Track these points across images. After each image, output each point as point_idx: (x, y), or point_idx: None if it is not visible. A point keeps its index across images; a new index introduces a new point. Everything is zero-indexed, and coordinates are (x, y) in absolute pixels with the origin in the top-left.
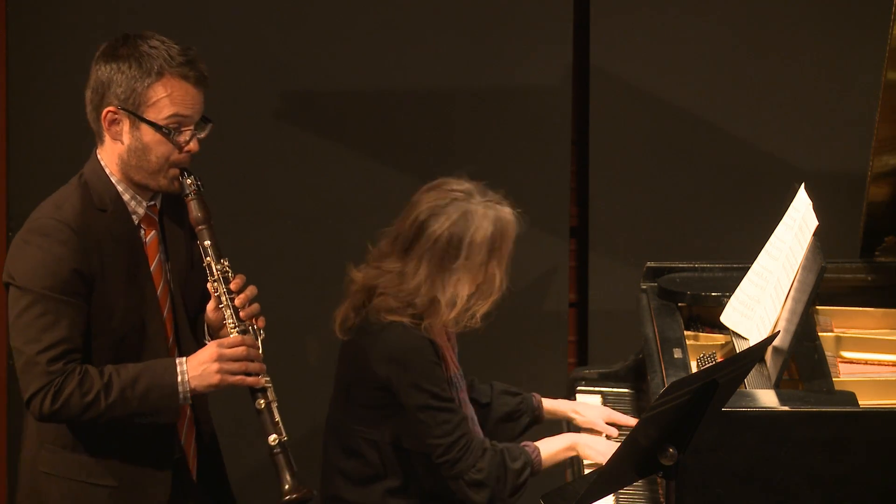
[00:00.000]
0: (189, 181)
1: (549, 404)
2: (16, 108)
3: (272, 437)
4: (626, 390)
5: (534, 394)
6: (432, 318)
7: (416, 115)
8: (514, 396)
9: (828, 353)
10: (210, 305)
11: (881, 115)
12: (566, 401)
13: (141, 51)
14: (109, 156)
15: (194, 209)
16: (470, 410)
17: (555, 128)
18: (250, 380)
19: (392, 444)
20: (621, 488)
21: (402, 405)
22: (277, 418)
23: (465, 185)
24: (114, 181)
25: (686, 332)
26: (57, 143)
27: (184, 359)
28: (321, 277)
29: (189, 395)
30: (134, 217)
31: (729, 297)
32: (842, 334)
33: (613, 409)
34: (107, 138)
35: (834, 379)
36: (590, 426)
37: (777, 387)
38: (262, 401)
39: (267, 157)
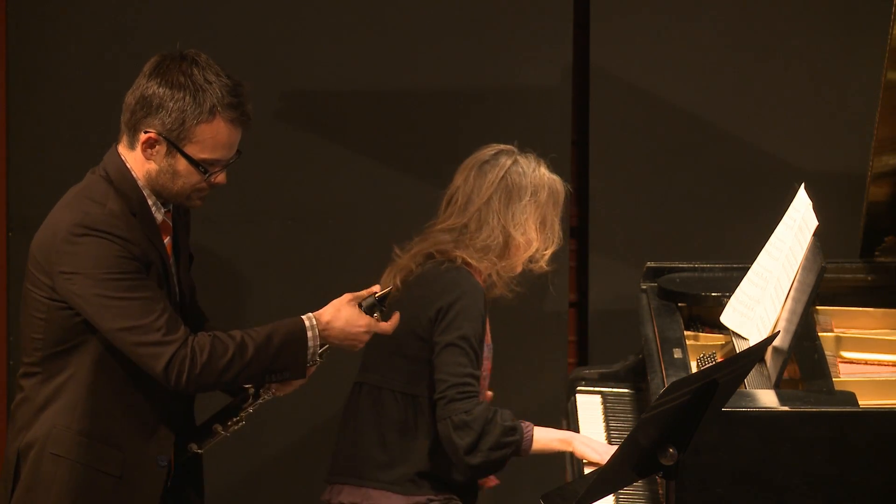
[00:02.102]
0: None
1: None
2: (16, 109)
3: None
4: (626, 390)
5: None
6: (510, 260)
7: (415, 115)
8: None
9: (828, 353)
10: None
11: (881, 116)
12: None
13: (197, 83)
14: (136, 164)
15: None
16: (487, 377)
17: (555, 128)
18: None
19: (430, 401)
20: (621, 488)
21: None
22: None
23: (507, 145)
24: (140, 186)
25: (686, 332)
26: (57, 143)
27: (314, 318)
28: (322, 278)
29: (316, 356)
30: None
31: (729, 297)
32: (842, 334)
33: (613, 409)
34: (138, 151)
35: (834, 379)
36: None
37: (777, 387)
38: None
39: (267, 157)
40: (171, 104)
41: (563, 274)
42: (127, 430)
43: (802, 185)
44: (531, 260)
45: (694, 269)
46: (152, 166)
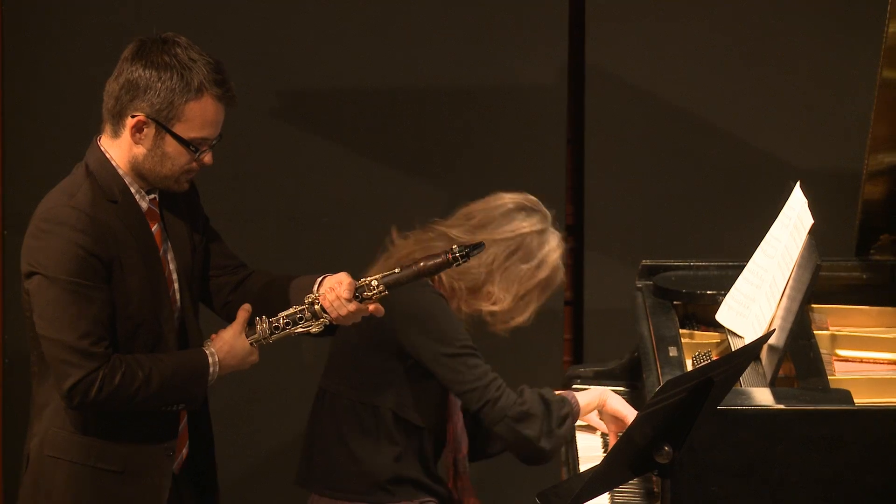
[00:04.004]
0: (458, 264)
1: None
2: (12, 106)
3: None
4: (621, 388)
5: None
6: (474, 301)
7: (411, 114)
8: None
9: (823, 352)
10: (345, 279)
11: (876, 114)
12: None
13: (182, 62)
14: (120, 152)
15: (435, 264)
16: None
17: (550, 126)
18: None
19: (393, 413)
20: (617, 486)
21: (417, 368)
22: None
23: (548, 210)
24: (121, 174)
25: (681, 331)
26: (53, 141)
27: (216, 353)
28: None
29: (214, 378)
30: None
31: (724, 295)
32: (837, 332)
33: None
34: (124, 136)
35: (829, 377)
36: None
37: (772, 385)
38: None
39: (262, 155)
40: (158, 85)
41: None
42: (126, 423)
43: (798, 183)
44: (493, 315)
45: (689, 268)
46: (140, 150)
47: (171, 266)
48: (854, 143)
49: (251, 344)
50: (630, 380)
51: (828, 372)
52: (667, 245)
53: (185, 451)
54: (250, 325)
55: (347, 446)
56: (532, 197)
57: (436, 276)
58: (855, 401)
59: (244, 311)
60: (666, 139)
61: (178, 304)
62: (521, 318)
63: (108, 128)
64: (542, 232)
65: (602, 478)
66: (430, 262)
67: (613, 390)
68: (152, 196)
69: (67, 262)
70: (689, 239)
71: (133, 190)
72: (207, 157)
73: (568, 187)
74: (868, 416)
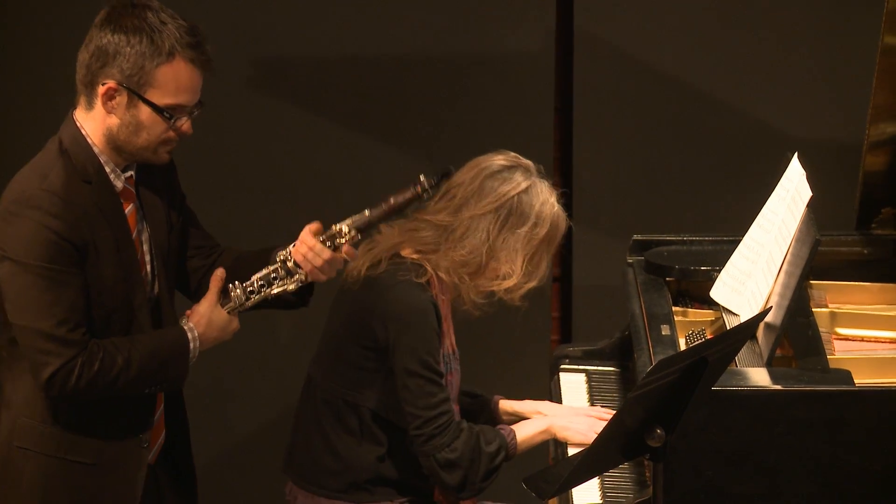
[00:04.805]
0: (429, 193)
1: (510, 406)
2: None
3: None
4: (611, 369)
5: (495, 396)
6: (484, 281)
7: (394, 82)
8: (472, 399)
9: (822, 330)
10: (312, 227)
11: (878, 82)
12: (531, 402)
13: (152, 25)
14: (94, 125)
15: (404, 199)
16: (454, 389)
17: (537, 94)
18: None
19: (372, 412)
20: (606, 471)
21: (391, 369)
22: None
23: (526, 160)
24: (96, 152)
25: (674, 308)
26: (37, 134)
27: (195, 328)
28: None
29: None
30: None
31: (719, 271)
32: (837, 310)
33: (598, 388)
34: (97, 107)
35: (829, 356)
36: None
37: (769, 365)
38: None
39: (238, 127)
40: (127, 49)
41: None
42: (97, 414)
43: (796, 154)
44: (506, 290)
45: (683, 243)
46: (114, 121)
47: (145, 247)
48: (855, 113)
49: (228, 312)
50: (620, 360)
51: (827, 351)
52: (659, 219)
53: (161, 439)
54: (224, 294)
55: (329, 441)
56: (508, 153)
57: (435, 278)
58: (855, 381)
59: (217, 280)
60: (658, 108)
61: (153, 288)
62: (535, 281)
63: (82, 100)
64: (527, 189)
65: (591, 463)
66: (400, 198)
67: (602, 370)
68: (128, 174)
69: (40, 247)
70: (682, 212)
71: (108, 169)
72: (186, 126)
73: (555, 158)
74: (869, 397)
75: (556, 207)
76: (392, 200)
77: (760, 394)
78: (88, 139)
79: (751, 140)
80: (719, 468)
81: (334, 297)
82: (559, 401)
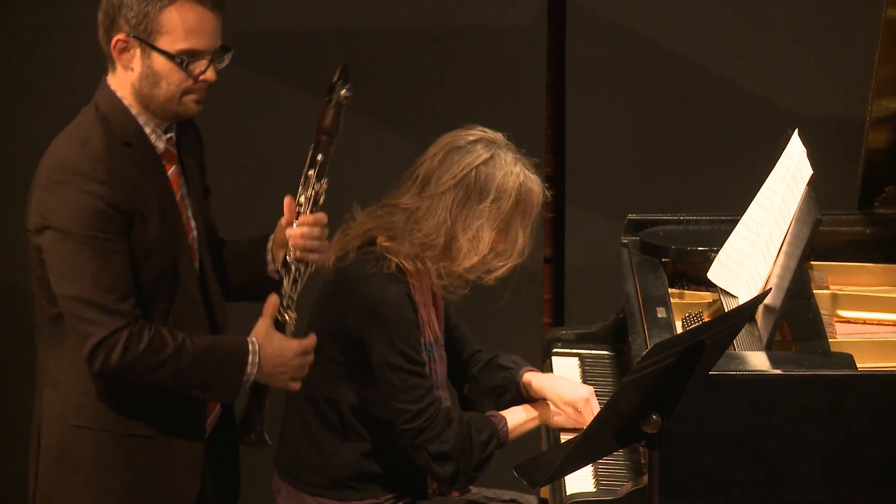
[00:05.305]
0: (344, 92)
1: (537, 382)
2: None
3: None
4: (605, 352)
5: (524, 369)
6: (448, 263)
7: (383, 57)
8: (502, 371)
9: (823, 312)
10: (284, 221)
11: (881, 56)
12: (552, 379)
13: None
14: (122, 85)
15: (326, 116)
16: (440, 378)
17: (529, 70)
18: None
19: (352, 407)
20: (600, 458)
21: (370, 364)
22: None
23: (495, 133)
24: (133, 113)
25: (670, 290)
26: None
27: (257, 343)
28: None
29: (250, 381)
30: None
31: (717, 251)
32: (838, 292)
33: (592, 372)
34: (118, 66)
35: (830, 340)
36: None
37: (768, 348)
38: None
39: (220, 102)
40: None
41: (538, 227)
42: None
43: (796, 130)
44: (475, 270)
45: (679, 222)
46: (133, 76)
47: (190, 212)
48: (857, 88)
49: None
50: (615, 343)
51: (828, 334)
52: (655, 197)
53: (217, 411)
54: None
55: (312, 437)
56: (476, 127)
57: (412, 270)
58: (858, 365)
59: (271, 307)
60: (654, 84)
61: (198, 255)
62: (515, 259)
63: (108, 64)
64: (488, 161)
65: (585, 449)
66: (325, 121)
67: (595, 354)
68: (169, 135)
69: (85, 214)
70: (678, 191)
71: (148, 130)
72: (209, 73)
73: (547, 136)
74: (871, 381)
75: (523, 178)
76: (319, 130)
77: (759, 378)
78: (124, 101)
79: (750, 116)
80: (717, 455)
81: (321, 287)
82: None
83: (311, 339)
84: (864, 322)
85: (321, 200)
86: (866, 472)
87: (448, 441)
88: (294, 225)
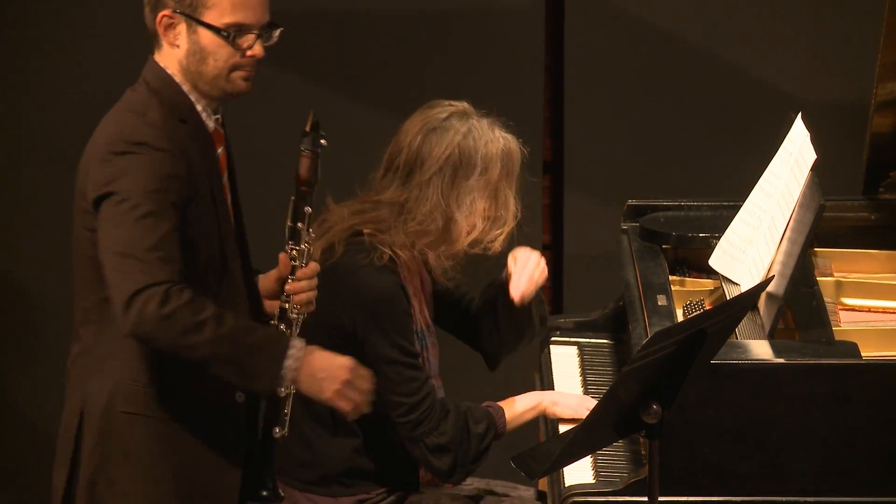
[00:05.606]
0: (323, 142)
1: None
2: None
3: (277, 430)
4: (604, 341)
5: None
6: (448, 246)
7: (381, 40)
8: (489, 286)
9: (827, 300)
10: (277, 274)
11: (886, 39)
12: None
13: None
14: (170, 62)
15: (306, 168)
16: (433, 366)
17: (526, 52)
18: (353, 415)
19: None
20: (599, 449)
21: (363, 357)
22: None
23: (460, 103)
24: (185, 90)
25: (671, 277)
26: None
27: (303, 346)
28: (269, 216)
29: (289, 382)
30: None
31: (718, 238)
32: (843, 279)
33: (591, 361)
34: (164, 44)
35: (834, 328)
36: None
37: (771, 337)
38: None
39: None
40: None
41: (536, 213)
42: (200, 372)
43: (799, 114)
44: (474, 244)
45: (680, 208)
46: (180, 53)
47: (229, 199)
48: (861, 71)
49: None
50: (615, 331)
51: (832, 322)
52: (655, 183)
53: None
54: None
55: (302, 433)
56: (440, 102)
57: (404, 259)
58: (862, 354)
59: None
60: (654, 66)
61: (240, 242)
62: (511, 223)
63: (155, 43)
64: (467, 134)
65: (584, 440)
66: (304, 173)
67: (594, 343)
68: (217, 116)
69: (148, 179)
70: (679, 176)
71: (199, 107)
72: (256, 48)
73: (546, 119)
74: (876, 370)
75: (503, 141)
76: (299, 180)
77: (762, 367)
78: (175, 78)
79: (752, 100)
80: (718, 446)
81: None
82: (550, 376)
83: (363, 369)
84: (869, 310)
85: (308, 248)
86: (870, 463)
87: (446, 433)
88: (290, 279)
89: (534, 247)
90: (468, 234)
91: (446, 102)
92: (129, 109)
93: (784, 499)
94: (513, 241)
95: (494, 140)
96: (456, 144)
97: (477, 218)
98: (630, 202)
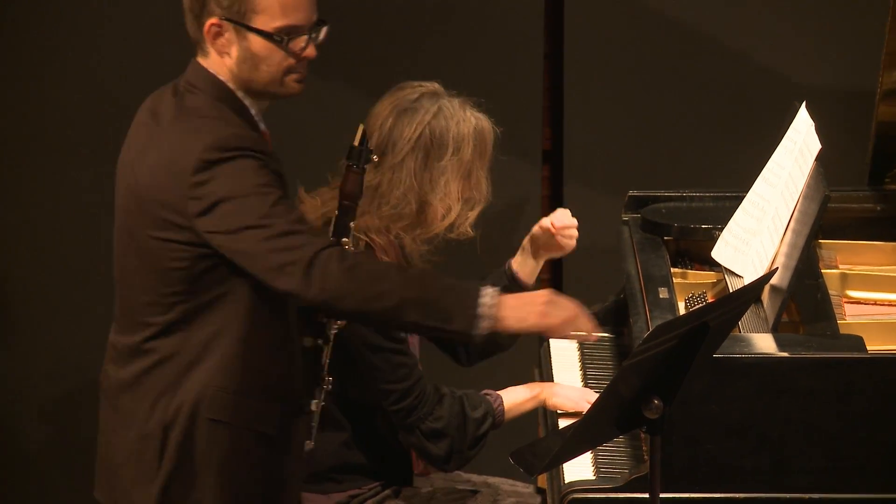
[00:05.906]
0: (369, 154)
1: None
2: None
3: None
4: (605, 335)
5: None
6: (424, 229)
7: (371, 27)
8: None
9: (832, 293)
10: None
11: (892, 26)
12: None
13: None
14: (220, 69)
15: (353, 183)
16: (415, 349)
17: (525, 39)
18: (564, 331)
19: (328, 394)
20: (600, 445)
21: (348, 347)
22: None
23: (431, 84)
24: (240, 96)
25: (673, 270)
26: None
27: (496, 289)
28: None
29: (489, 321)
30: None
31: (721, 229)
32: (848, 271)
33: (591, 355)
34: (212, 54)
35: (839, 321)
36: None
37: (775, 330)
38: (317, 401)
39: None
40: None
41: (535, 204)
42: (283, 382)
43: (804, 103)
44: (450, 228)
45: (682, 199)
46: (230, 62)
47: None
48: (867, 59)
49: None
50: (615, 325)
51: (837, 316)
52: (656, 173)
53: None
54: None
55: None
56: (410, 83)
57: (381, 244)
58: (868, 348)
59: None
60: (656, 54)
61: None
62: (482, 204)
63: (198, 50)
64: (437, 114)
65: (584, 436)
66: (348, 187)
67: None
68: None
69: (255, 174)
70: (681, 166)
71: (253, 112)
72: (309, 50)
73: (545, 108)
74: (882, 364)
75: (475, 120)
76: (344, 195)
77: (765, 361)
78: (228, 84)
79: (756, 89)
80: (721, 441)
81: None
82: (549, 369)
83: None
84: (875, 303)
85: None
86: (875, 459)
87: (441, 417)
88: None
89: None
90: (443, 217)
91: (416, 83)
92: (203, 116)
93: (788, 495)
94: (482, 224)
95: (466, 120)
96: (426, 124)
97: (452, 200)
98: (631, 193)
